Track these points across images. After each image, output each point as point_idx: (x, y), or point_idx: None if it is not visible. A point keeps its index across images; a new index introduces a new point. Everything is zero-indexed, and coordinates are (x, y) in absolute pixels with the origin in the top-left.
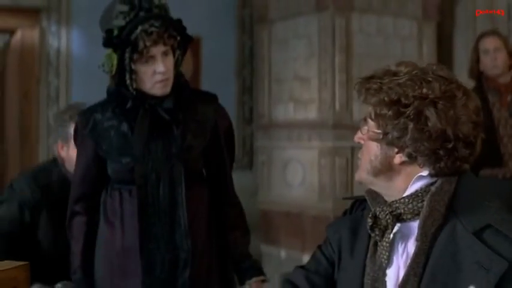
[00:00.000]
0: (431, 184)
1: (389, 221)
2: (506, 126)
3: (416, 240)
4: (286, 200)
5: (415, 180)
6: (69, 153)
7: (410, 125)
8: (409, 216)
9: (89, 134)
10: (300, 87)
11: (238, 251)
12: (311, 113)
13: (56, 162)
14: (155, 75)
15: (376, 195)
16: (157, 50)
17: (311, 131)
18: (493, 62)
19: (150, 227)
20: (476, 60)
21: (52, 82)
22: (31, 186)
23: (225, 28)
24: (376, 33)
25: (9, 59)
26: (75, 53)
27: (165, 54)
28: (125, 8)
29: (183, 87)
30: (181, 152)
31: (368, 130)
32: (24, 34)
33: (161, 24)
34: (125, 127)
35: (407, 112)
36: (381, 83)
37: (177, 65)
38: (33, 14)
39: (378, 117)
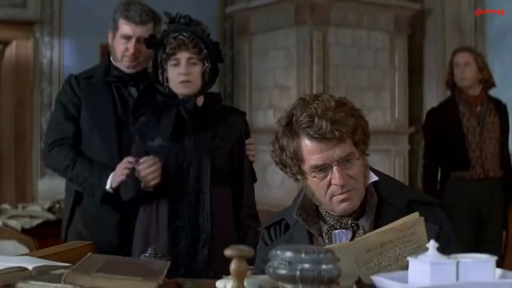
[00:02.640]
0: None
1: (349, 224)
2: (474, 134)
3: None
4: (266, 200)
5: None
6: (113, 43)
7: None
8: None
9: (136, 130)
10: (279, 96)
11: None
12: None
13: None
14: (179, 76)
15: (306, 216)
16: (183, 55)
17: None
18: (461, 74)
19: (177, 208)
20: (450, 73)
21: (45, 90)
22: (71, 81)
23: None
24: (351, 45)
25: (4, 69)
26: (66, 63)
27: (190, 60)
28: (167, 20)
29: (216, 99)
30: (210, 149)
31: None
32: (19, 45)
33: (189, 35)
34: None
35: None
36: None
37: (204, 76)
38: (27, 26)
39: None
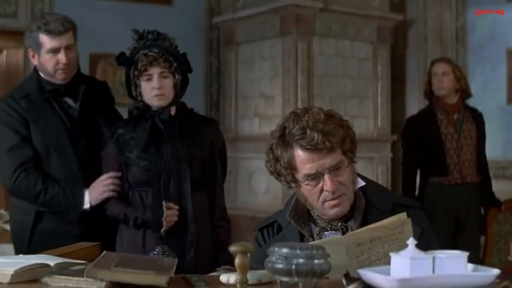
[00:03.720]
0: None
1: (338, 226)
2: (452, 141)
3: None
4: (251, 206)
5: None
6: (40, 60)
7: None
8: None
9: (114, 143)
10: (265, 104)
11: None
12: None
13: (32, 73)
14: (152, 90)
15: (298, 218)
16: (154, 71)
17: None
18: (439, 84)
19: None
20: (428, 82)
21: None
22: (10, 103)
23: (194, 49)
24: (335, 55)
25: None
26: None
27: (162, 75)
28: (135, 37)
29: (188, 110)
30: (187, 157)
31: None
32: (10, 54)
33: (159, 51)
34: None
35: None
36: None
37: (176, 87)
38: (17, 36)
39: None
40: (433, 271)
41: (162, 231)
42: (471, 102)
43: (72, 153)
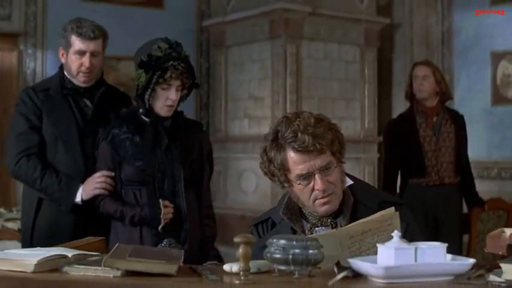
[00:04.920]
0: None
1: (328, 223)
2: (430, 143)
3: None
4: (241, 205)
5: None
6: (67, 59)
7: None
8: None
9: (108, 143)
10: (254, 106)
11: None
12: (264, 128)
13: (58, 70)
14: (167, 100)
15: (290, 215)
16: (175, 83)
17: None
18: (419, 87)
19: None
20: (409, 85)
21: None
22: (29, 93)
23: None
24: (323, 58)
25: None
26: (49, 73)
27: (179, 88)
28: (165, 45)
29: (179, 114)
30: (180, 157)
31: (335, 165)
32: (4, 56)
33: (185, 66)
34: (137, 138)
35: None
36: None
37: (181, 100)
38: (11, 38)
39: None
40: (415, 260)
41: (159, 227)
42: (457, 103)
43: (79, 148)
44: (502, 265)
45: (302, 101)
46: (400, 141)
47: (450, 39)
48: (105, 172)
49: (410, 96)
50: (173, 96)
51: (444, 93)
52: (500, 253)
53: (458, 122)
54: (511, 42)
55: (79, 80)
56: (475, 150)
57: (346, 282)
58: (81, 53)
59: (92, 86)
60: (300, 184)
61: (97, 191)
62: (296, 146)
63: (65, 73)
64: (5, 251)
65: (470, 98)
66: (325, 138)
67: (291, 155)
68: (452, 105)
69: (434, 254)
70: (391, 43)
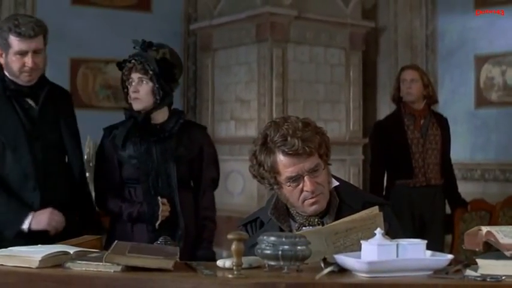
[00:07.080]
0: None
1: (315, 222)
2: (418, 145)
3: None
4: (227, 206)
5: None
6: (7, 60)
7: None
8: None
9: (110, 142)
10: (241, 108)
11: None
12: (251, 131)
13: None
14: (132, 93)
15: (278, 215)
16: (135, 76)
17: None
18: (407, 90)
19: None
20: (397, 88)
21: None
22: None
23: None
24: (308, 61)
25: None
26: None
27: (141, 80)
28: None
29: (179, 114)
30: (174, 156)
31: (322, 167)
32: None
33: (138, 59)
34: (135, 137)
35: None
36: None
37: (154, 93)
38: None
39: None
40: (397, 255)
41: (156, 224)
42: (441, 106)
43: (27, 152)
44: (478, 261)
45: (288, 104)
46: (387, 142)
47: (434, 42)
48: (55, 211)
49: (398, 99)
50: (132, 88)
51: (431, 97)
52: (477, 250)
53: (443, 124)
54: (495, 45)
55: (23, 80)
56: (459, 152)
57: (332, 277)
58: (22, 53)
59: (35, 85)
60: (289, 186)
61: (50, 229)
62: (286, 150)
63: (6, 74)
64: (10, 248)
65: (454, 101)
66: (313, 142)
67: (281, 158)
68: (437, 108)
69: (414, 250)
70: (376, 46)
